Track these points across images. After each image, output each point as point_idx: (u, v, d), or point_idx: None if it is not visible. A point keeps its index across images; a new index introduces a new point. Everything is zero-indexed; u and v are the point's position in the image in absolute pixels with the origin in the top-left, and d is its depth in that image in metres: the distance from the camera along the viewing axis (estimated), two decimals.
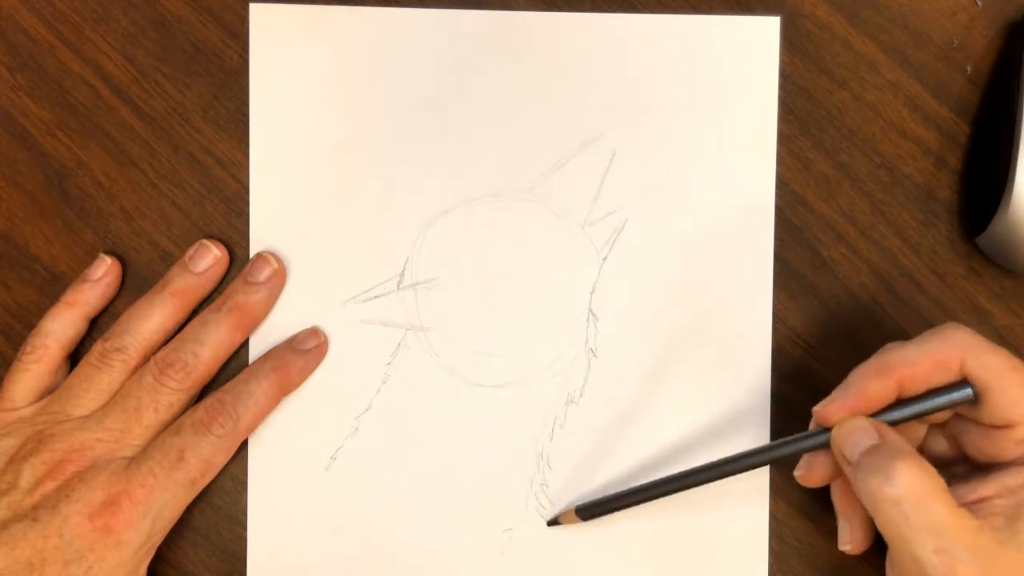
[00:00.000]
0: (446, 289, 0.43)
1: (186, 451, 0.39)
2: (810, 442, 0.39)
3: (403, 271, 0.43)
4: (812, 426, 0.39)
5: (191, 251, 0.42)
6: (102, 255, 0.43)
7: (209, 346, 0.41)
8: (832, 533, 0.43)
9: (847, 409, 0.38)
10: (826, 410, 0.38)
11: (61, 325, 0.42)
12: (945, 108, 0.44)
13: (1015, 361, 0.36)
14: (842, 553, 0.43)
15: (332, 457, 0.43)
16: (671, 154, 0.43)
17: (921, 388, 0.37)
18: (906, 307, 0.44)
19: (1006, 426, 0.36)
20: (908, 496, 0.34)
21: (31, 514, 0.38)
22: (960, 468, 0.40)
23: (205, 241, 0.43)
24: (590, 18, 0.44)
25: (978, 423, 0.38)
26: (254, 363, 0.42)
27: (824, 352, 0.43)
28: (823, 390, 0.43)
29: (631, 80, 0.43)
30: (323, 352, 0.43)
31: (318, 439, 0.43)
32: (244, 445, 0.43)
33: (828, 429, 0.38)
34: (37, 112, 0.44)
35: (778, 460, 0.39)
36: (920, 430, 0.40)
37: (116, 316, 0.43)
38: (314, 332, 0.43)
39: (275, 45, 0.43)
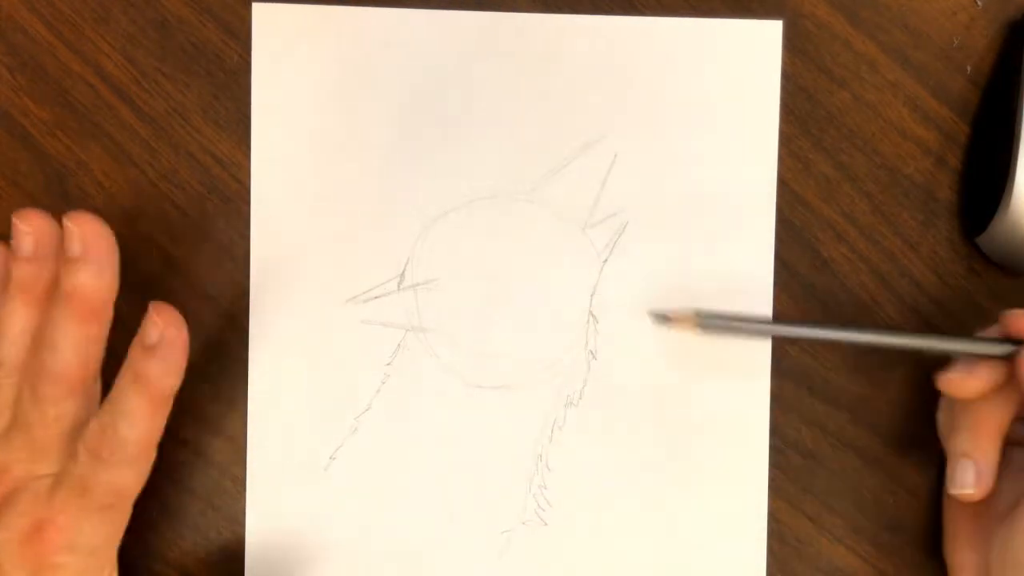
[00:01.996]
0: (446, 290, 0.43)
1: (88, 480, 0.36)
2: (991, 347, 0.38)
3: (403, 272, 0.43)
4: (997, 332, 0.38)
5: (13, 232, 0.37)
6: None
7: (65, 348, 0.36)
8: (832, 533, 0.43)
9: None
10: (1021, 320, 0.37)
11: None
12: (945, 108, 0.44)
13: None
14: (842, 553, 0.43)
15: (331, 457, 0.43)
16: (672, 157, 0.43)
17: None
18: (906, 307, 0.44)
19: None
20: None
21: None
22: None
23: (15, 220, 0.37)
24: (592, 20, 0.43)
25: None
26: (119, 375, 0.37)
27: (824, 352, 0.43)
28: (823, 390, 0.43)
29: (633, 82, 0.43)
30: (176, 342, 0.36)
31: (317, 439, 0.43)
32: (243, 444, 0.43)
33: (1014, 342, 0.37)
34: (37, 112, 0.44)
35: (946, 353, 0.38)
36: None
37: (119, 317, 0.42)
38: (152, 321, 0.36)
39: (277, 45, 0.43)
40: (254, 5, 0.43)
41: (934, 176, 0.44)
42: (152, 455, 0.37)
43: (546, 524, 0.43)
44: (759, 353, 0.43)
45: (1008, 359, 0.38)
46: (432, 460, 0.43)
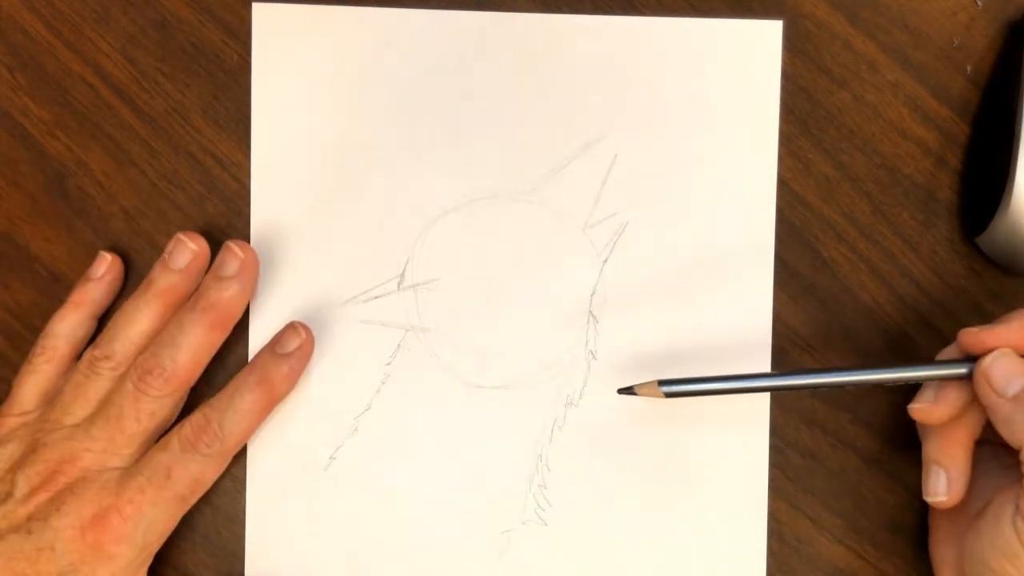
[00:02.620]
0: (446, 290, 0.43)
1: (173, 469, 0.39)
2: (949, 370, 0.38)
3: (404, 272, 0.43)
4: (954, 353, 0.39)
5: (169, 246, 0.41)
6: (102, 252, 0.43)
7: (186, 349, 0.40)
8: (832, 533, 0.43)
9: (1004, 341, 0.37)
10: (979, 336, 0.37)
11: (69, 326, 0.42)
12: (945, 108, 0.44)
13: None
14: (842, 553, 0.43)
15: (331, 457, 0.43)
16: (672, 157, 0.43)
17: None
18: (906, 307, 0.44)
19: None
20: None
21: (25, 526, 0.38)
22: None
23: (181, 236, 0.42)
24: (592, 20, 0.43)
25: None
26: (239, 375, 0.41)
27: (824, 352, 0.43)
28: (823, 390, 0.43)
29: (633, 82, 0.43)
30: (308, 351, 0.42)
31: (317, 439, 0.43)
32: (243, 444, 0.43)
33: (971, 359, 0.38)
34: (37, 112, 0.44)
35: (908, 382, 0.38)
36: None
37: None
38: (295, 330, 0.42)
39: (277, 44, 0.43)
40: (254, 5, 0.43)
41: (934, 176, 0.44)
42: (229, 458, 0.41)
43: (546, 524, 0.43)
44: (760, 358, 0.43)
45: (970, 378, 0.38)
46: (432, 460, 0.43)
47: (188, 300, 0.41)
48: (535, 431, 0.43)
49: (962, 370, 0.38)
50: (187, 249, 0.41)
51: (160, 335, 0.40)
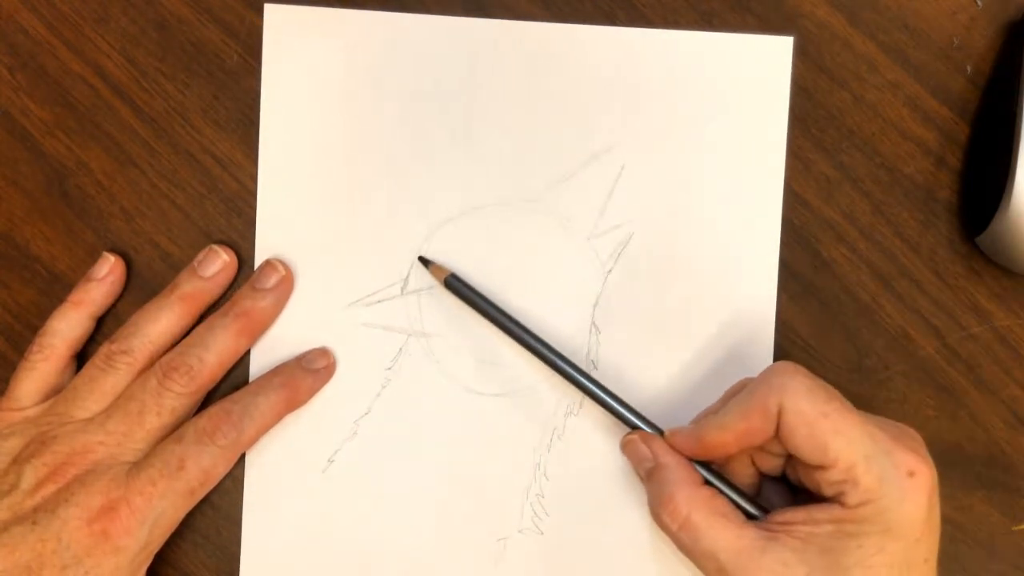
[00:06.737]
0: (449, 296, 0.43)
1: (187, 460, 0.39)
2: (635, 421, 0.40)
3: (407, 276, 0.43)
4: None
5: (200, 256, 0.43)
6: (105, 253, 0.43)
7: (215, 351, 0.41)
8: None
9: (681, 446, 0.39)
10: (666, 435, 0.40)
11: (68, 324, 0.42)
12: (945, 108, 0.44)
13: (829, 406, 0.36)
14: None
15: (329, 460, 0.43)
16: (680, 170, 0.43)
17: (758, 439, 0.38)
18: (906, 307, 0.44)
19: (819, 467, 0.36)
20: (685, 525, 0.37)
21: (31, 517, 0.38)
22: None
23: (214, 246, 0.43)
24: (604, 31, 0.43)
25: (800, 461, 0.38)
26: (263, 376, 0.42)
27: (824, 352, 0.43)
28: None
29: (642, 94, 0.43)
30: (331, 372, 0.43)
31: (316, 441, 0.43)
32: None
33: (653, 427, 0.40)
34: (37, 112, 0.44)
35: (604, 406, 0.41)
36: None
37: (119, 317, 0.43)
38: (324, 352, 0.43)
39: (288, 46, 0.43)
40: (266, 6, 0.43)
41: (934, 176, 0.44)
42: (239, 454, 0.42)
43: (542, 533, 0.43)
44: (760, 358, 0.43)
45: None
46: (430, 466, 0.43)
47: (214, 308, 0.42)
48: (534, 440, 0.43)
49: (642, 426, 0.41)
50: (218, 259, 0.43)
51: (189, 336, 0.42)
